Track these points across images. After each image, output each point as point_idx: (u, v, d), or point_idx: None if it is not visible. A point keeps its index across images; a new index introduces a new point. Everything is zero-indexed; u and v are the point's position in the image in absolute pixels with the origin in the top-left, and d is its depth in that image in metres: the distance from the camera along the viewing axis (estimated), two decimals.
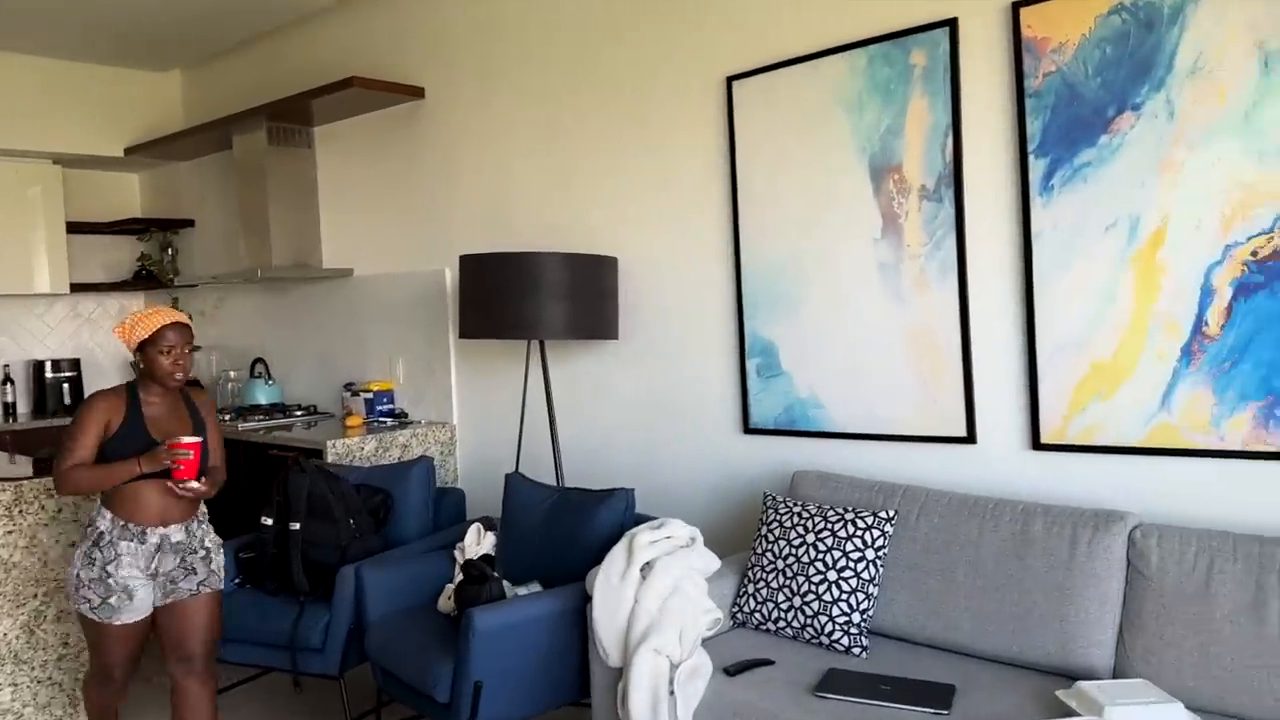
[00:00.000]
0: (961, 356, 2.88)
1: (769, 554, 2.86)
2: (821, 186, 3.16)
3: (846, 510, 2.80)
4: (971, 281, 2.87)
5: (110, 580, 2.60)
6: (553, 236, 3.98)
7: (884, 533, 2.72)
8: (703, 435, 3.55)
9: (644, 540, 2.67)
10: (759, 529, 2.95)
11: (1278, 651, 2.11)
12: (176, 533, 2.69)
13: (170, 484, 2.59)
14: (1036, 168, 2.72)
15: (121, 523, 2.62)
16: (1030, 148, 2.73)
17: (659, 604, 2.56)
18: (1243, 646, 2.15)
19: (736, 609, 2.86)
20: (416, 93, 4.43)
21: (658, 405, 3.67)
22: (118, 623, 2.62)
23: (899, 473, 3.04)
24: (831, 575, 2.71)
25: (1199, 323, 2.47)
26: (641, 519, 3.04)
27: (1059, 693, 2.23)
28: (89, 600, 2.61)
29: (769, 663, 2.56)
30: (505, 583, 2.96)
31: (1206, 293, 2.46)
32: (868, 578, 2.69)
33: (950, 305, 2.90)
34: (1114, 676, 2.36)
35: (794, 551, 2.80)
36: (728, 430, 3.48)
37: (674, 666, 2.49)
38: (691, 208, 3.53)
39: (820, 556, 2.74)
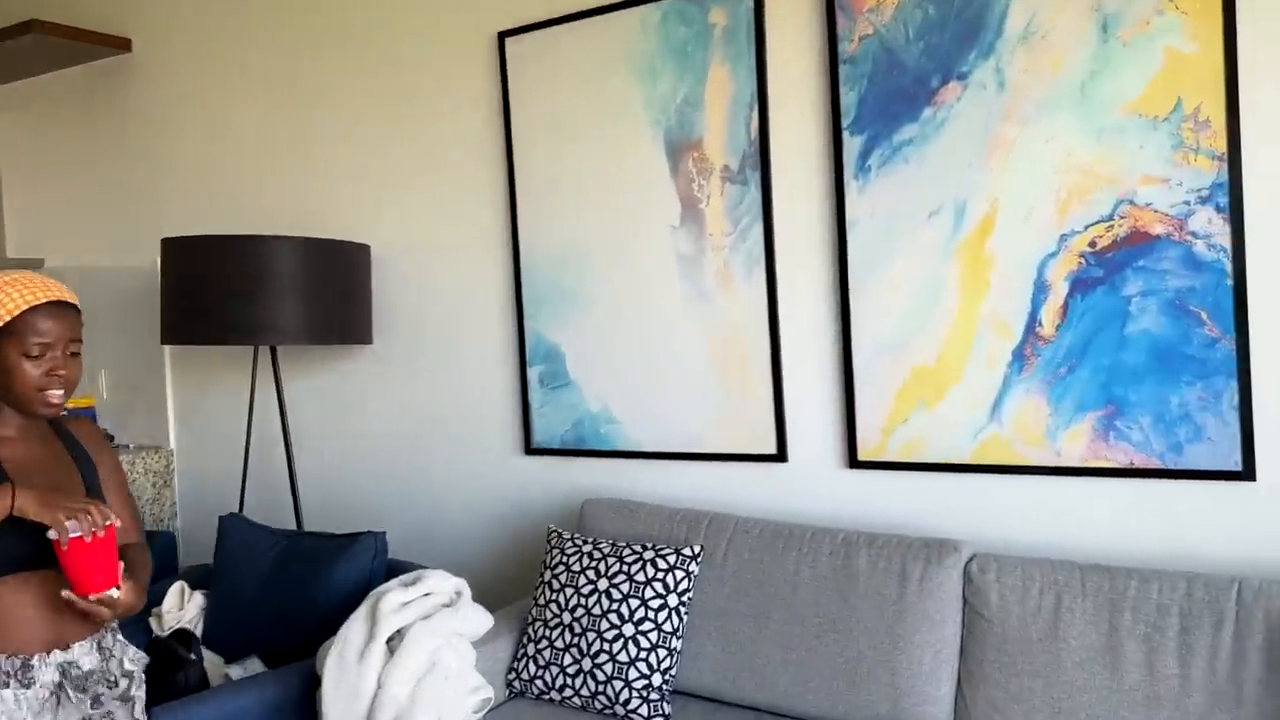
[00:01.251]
0: (771, 362, 2.50)
1: (554, 605, 2.36)
2: (612, 165, 2.70)
3: (645, 547, 2.34)
4: (781, 276, 2.49)
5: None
6: (288, 219, 3.30)
7: (689, 573, 2.29)
8: (476, 458, 3.01)
9: (393, 603, 2.11)
10: (541, 573, 2.45)
11: (1135, 703, 1.82)
12: (85, 657, 1.59)
13: (70, 596, 1.51)
14: (852, 146, 2.37)
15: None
16: (845, 123, 2.37)
17: (410, 688, 2.01)
18: (1097, 701, 1.86)
19: (514, 675, 2.34)
20: (121, 44, 3.62)
21: (422, 424, 3.09)
22: None
23: (704, 497, 2.63)
24: (628, 629, 2.24)
25: (1032, 323, 2.19)
26: (397, 569, 2.47)
27: None
28: None
29: None
30: (215, 659, 2.31)
31: (1040, 288, 2.17)
32: (670, 630, 2.25)
33: (758, 303, 2.51)
34: None
35: (583, 601, 2.32)
36: (507, 451, 2.95)
37: None
38: (461, 187, 2.97)
39: (615, 607, 2.27)
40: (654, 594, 2.26)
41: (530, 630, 2.39)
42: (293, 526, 3.22)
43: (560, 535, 2.49)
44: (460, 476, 3.04)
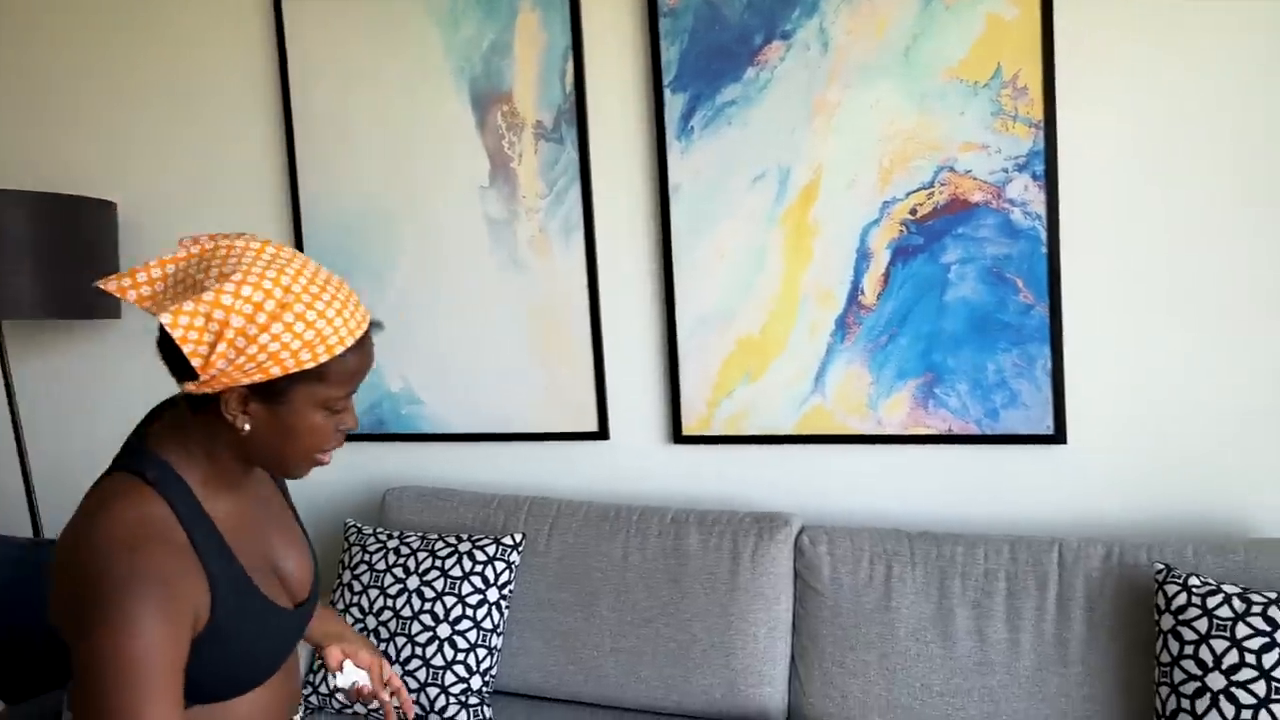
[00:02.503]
0: (591, 334, 2.34)
1: (356, 610, 2.12)
2: (409, 115, 2.44)
3: (460, 538, 2.14)
4: (601, 243, 2.33)
5: None
6: (14, 172, 2.80)
7: (509, 564, 2.11)
8: None
9: None
10: (339, 574, 2.20)
11: (968, 670, 1.83)
12: None
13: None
14: (674, 105, 2.24)
15: None
16: (666, 80, 2.24)
17: None
18: (931, 670, 1.86)
19: (310, 689, 2.08)
20: None
21: None
22: None
23: (523, 481, 2.45)
24: (443, 630, 2.04)
25: (855, 291, 2.16)
26: None
27: None
28: None
29: None
30: None
31: (863, 257, 2.14)
32: (490, 627, 2.07)
33: (577, 272, 2.34)
34: (790, 717, 1.98)
35: (391, 604, 2.09)
36: None
37: None
38: (229, 136, 2.60)
39: (427, 607, 2.06)
40: (471, 589, 2.07)
41: None
42: (28, 534, 2.75)
43: (359, 530, 2.24)
44: None
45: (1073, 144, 1.98)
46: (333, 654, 1.37)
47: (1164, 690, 1.66)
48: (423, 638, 2.04)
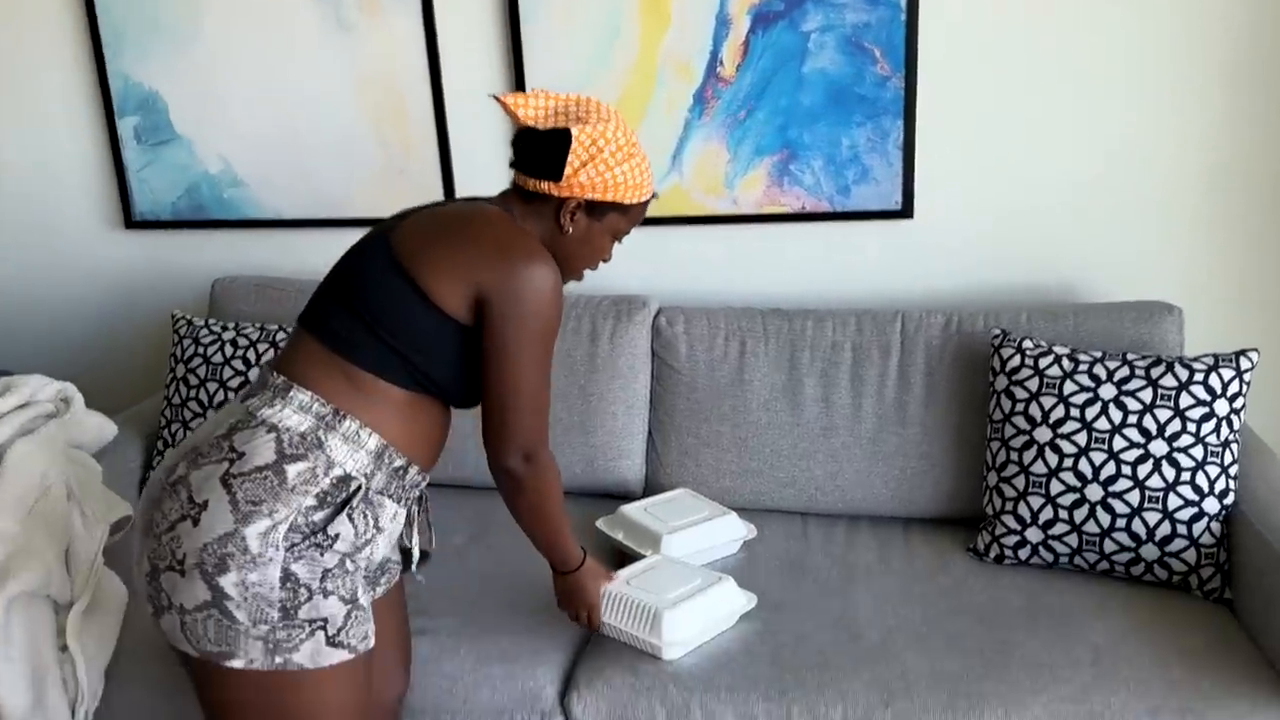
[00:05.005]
0: (434, 108, 2.18)
1: (195, 403, 2.00)
2: None
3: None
4: (439, 5, 2.13)
5: (358, 574, 1.24)
6: None
7: None
8: (61, 238, 2.42)
9: None
10: (172, 368, 2.06)
11: (814, 436, 1.91)
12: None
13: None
14: None
15: (398, 461, 1.27)
16: None
17: (18, 519, 1.60)
18: (780, 436, 1.93)
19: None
20: None
21: None
22: (363, 651, 1.23)
23: None
24: None
25: (713, 62, 2.07)
26: None
27: (599, 523, 1.84)
28: (318, 624, 1.18)
29: None
30: None
31: (722, 24, 2.04)
32: None
33: (414, 37, 2.14)
34: (647, 488, 2.03)
35: (232, 396, 1.98)
36: (101, 226, 2.40)
37: (63, 609, 1.60)
38: None
39: None
40: None
41: (167, 434, 2.02)
42: None
43: (189, 322, 2.09)
44: (41, 262, 2.45)
45: None
46: None
47: (994, 445, 1.77)
48: None
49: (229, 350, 2.01)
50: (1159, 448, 1.63)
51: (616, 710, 1.40)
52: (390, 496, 1.26)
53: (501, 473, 1.30)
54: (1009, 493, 1.72)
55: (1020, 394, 1.75)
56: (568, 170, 1.27)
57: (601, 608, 1.47)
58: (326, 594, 1.17)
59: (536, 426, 1.28)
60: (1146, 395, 1.66)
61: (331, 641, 1.18)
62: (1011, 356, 1.79)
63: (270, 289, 2.18)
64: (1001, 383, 1.78)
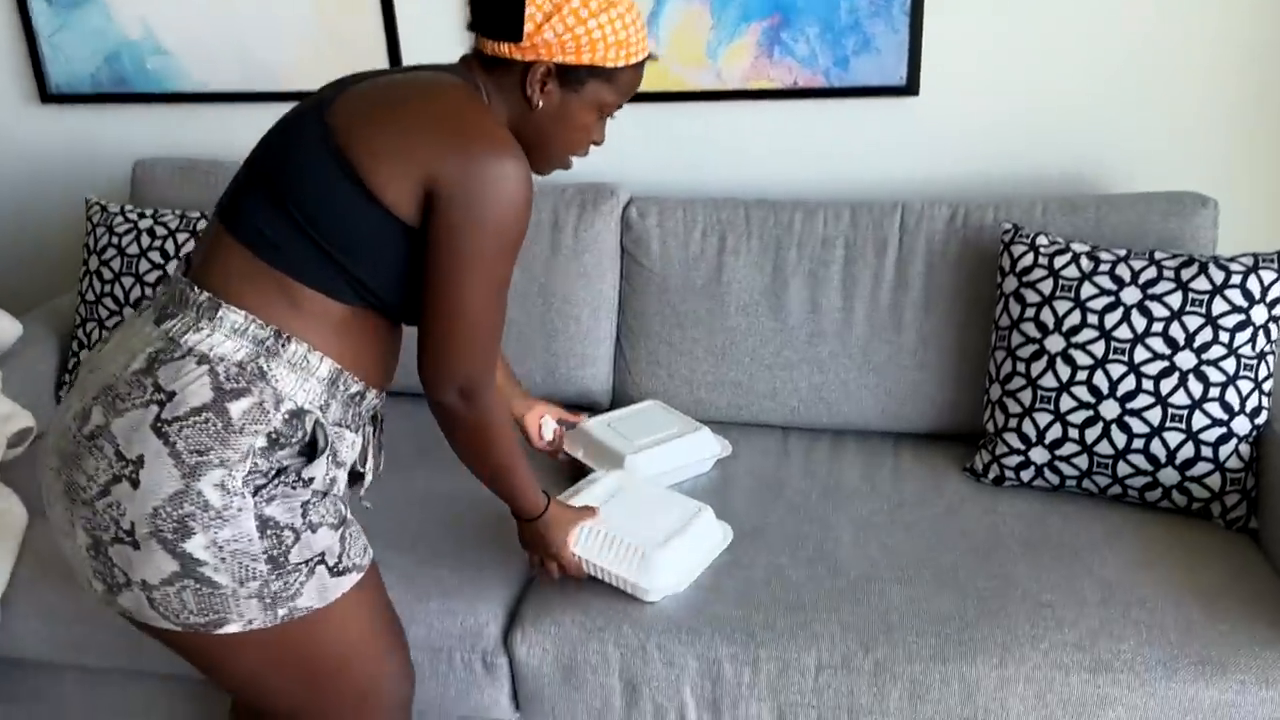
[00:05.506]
0: None
1: (110, 299, 1.80)
2: None
3: None
4: None
5: (336, 496, 1.09)
6: None
7: None
8: None
9: None
10: (85, 260, 1.85)
11: (798, 344, 1.72)
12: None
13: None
14: None
15: (354, 387, 1.09)
16: None
17: None
18: (761, 343, 1.73)
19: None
20: None
21: None
22: (366, 567, 1.11)
23: None
24: None
25: None
26: None
27: None
28: (315, 561, 1.04)
29: None
30: None
31: None
32: None
33: None
34: (614, 400, 1.85)
35: (150, 293, 1.78)
36: (11, 101, 2.15)
37: None
38: None
39: None
40: None
41: (80, 334, 1.83)
42: None
43: (104, 209, 1.87)
44: None
45: None
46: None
47: (999, 355, 1.58)
48: None
49: (145, 240, 1.80)
50: (1186, 360, 1.44)
51: (565, 652, 1.24)
52: (348, 427, 1.08)
53: (436, 407, 1.11)
54: (1013, 408, 1.54)
55: (1031, 297, 1.55)
56: (528, 25, 1.05)
57: (574, 541, 1.29)
58: (314, 528, 1.03)
59: (481, 358, 1.07)
60: (1175, 300, 1.46)
61: (336, 571, 1.04)
62: (1023, 255, 1.58)
63: (196, 171, 1.95)
64: (1011, 284, 1.58)
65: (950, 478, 1.59)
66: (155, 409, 0.96)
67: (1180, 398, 1.44)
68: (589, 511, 1.31)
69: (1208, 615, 1.24)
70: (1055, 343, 1.51)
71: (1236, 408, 1.43)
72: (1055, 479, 1.52)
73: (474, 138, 1.01)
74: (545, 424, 1.56)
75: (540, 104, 1.09)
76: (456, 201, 1.00)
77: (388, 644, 1.13)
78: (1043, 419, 1.51)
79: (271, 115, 2.02)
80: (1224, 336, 1.44)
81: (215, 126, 2.08)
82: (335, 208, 1.01)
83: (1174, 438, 1.44)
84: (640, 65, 1.12)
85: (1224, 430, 1.43)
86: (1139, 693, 1.15)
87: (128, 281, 1.79)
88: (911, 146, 1.87)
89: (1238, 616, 1.23)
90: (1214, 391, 1.43)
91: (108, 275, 1.80)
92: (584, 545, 1.28)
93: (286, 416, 1.00)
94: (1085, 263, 1.53)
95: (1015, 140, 1.83)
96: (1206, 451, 1.43)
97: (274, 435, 0.99)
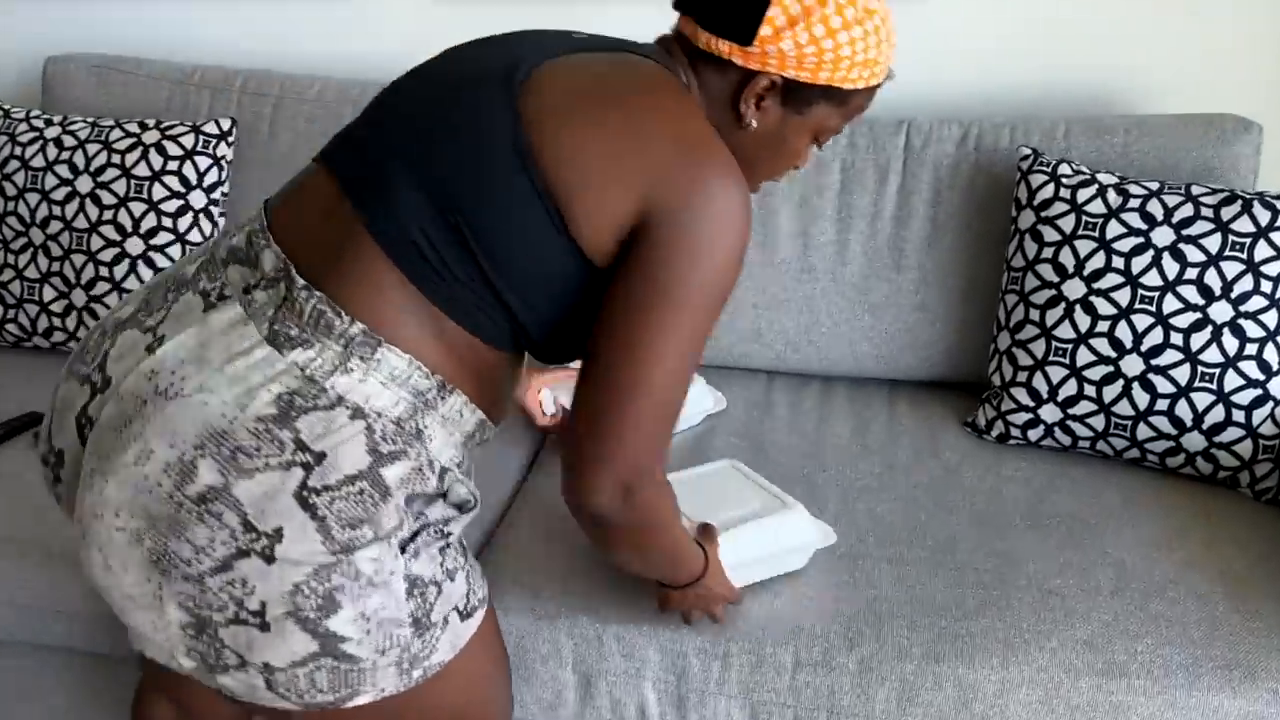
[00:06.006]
0: None
1: (15, 220, 1.61)
2: None
3: (146, 125, 1.61)
4: None
5: (457, 540, 0.91)
6: None
7: (218, 159, 1.61)
8: None
9: None
10: None
11: (787, 280, 1.54)
12: None
13: None
14: None
15: (489, 435, 0.92)
16: None
17: None
18: (744, 278, 1.55)
19: None
20: None
21: None
22: (488, 598, 0.95)
23: (236, 49, 1.85)
24: (134, 246, 1.58)
25: None
26: None
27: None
28: (452, 611, 0.87)
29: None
30: None
31: None
32: (198, 240, 1.61)
33: None
34: None
35: (58, 211, 1.59)
36: None
37: None
38: None
39: (108, 216, 1.57)
40: (167, 193, 1.58)
41: None
42: None
43: (7, 114, 1.66)
44: None
45: None
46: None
47: (1010, 299, 1.41)
48: (107, 255, 1.56)
49: (53, 152, 1.59)
50: (1221, 312, 1.28)
51: (511, 641, 1.10)
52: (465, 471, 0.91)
53: (580, 512, 0.85)
54: (1023, 360, 1.38)
55: (1050, 235, 1.37)
56: (764, 28, 0.84)
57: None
58: (452, 575, 0.87)
59: (658, 444, 0.84)
60: (1213, 243, 1.29)
61: (465, 614, 0.89)
62: (1043, 185, 1.39)
63: (116, 72, 1.73)
64: (1027, 219, 1.40)
65: (949, 433, 1.44)
66: (300, 474, 0.77)
67: (1212, 354, 1.28)
68: (713, 527, 1.08)
69: (1235, 609, 1.10)
70: (1075, 288, 1.34)
71: (1275, 367, 1.27)
72: (1067, 440, 1.37)
73: (703, 156, 0.82)
74: (545, 398, 1.38)
75: (754, 123, 0.88)
76: (672, 237, 0.80)
77: (503, 676, 0.97)
78: (1056, 374, 1.35)
79: (201, 10, 1.79)
80: (1266, 286, 1.27)
81: (138, 21, 1.84)
82: (520, 236, 0.80)
83: (1203, 399, 1.28)
84: (877, 88, 0.91)
85: (1259, 392, 1.27)
86: (1157, 700, 1.02)
87: (33, 198, 1.58)
88: (919, 56, 1.65)
89: (1270, 612, 1.10)
90: (1250, 349, 1.27)
91: (10, 191, 1.60)
92: (740, 570, 1.06)
93: (438, 480, 0.84)
94: (1113, 197, 1.35)
95: (1035, 52, 1.62)
96: (1238, 415, 1.28)
97: (427, 498, 0.84)
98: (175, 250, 1.58)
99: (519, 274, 0.81)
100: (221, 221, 1.63)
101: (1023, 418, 1.38)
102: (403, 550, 0.82)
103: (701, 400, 1.46)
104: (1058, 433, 1.37)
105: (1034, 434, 1.38)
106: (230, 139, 1.63)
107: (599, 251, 0.82)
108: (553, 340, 0.87)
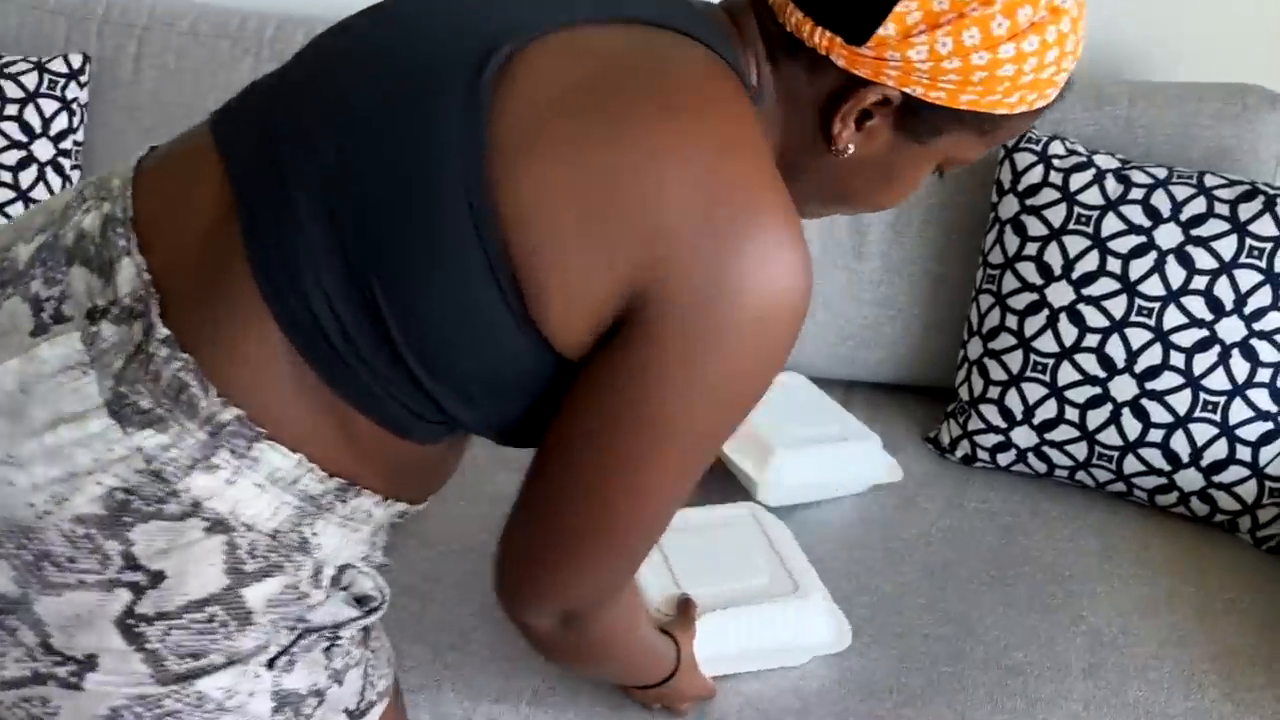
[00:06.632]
0: None
1: None
2: None
3: (15, 62, 1.37)
4: None
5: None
6: None
7: (68, 102, 1.38)
8: None
9: None
10: None
11: None
12: None
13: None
14: None
15: (411, 514, 0.67)
16: None
17: None
18: None
19: None
20: None
21: None
22: (390, 691, 0.71)
23: None
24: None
25: None
26: None
27: None
28: (343, 711, 0.65)
29: None
30: None
31: None
32: None
33: None
34: None
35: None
36: None
37: None
38: None
39: None
40: (8, 143, 1.34)
41: None
42: None
43: None
44: None
45: None
46: None
47: (985, 300, 1.20)
48: None
49: None
50: (1232, 330, 1.08)
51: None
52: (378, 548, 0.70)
53: (519, 625, 0.67)
54: (996, 373, 1.18)
55: (1035, 228, 1.16)
56: (887, 27, 0.57)
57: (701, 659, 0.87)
58: (340, 677, 0.66)
59: (622, 574, 0.65)
60: (1227, 247, 1.08)
61: (359, 715, 0.68)
62: (1030, 168, 1.18)
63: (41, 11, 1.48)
64: (1009, 207, 1.19)
65: (907, 449, 1.25)
66: (126, 596, 0.57)
67: (1218, 379, 1.08)
68: (692, 605, 0.89)
69: (1228, 696, 0.93)
70: (1061, 293, 1.13)
71: None
72: (1042, 467, 1.18)
73: (744, 216, 0.55)
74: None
75: (851, 148, 0.62)
76: (675, 337, 0.55)
77: None
78: (1034, 392, 1.15)
79: None
80: None
81: None
82: (461, 323, 0.57)
83: (1203, 431, 1.09)
84: (1044, 110, 0.63)
85: (1270, 426, 1.08)
86: None
87: None
88: None
89: (1269, 701, 0.92)
90: (1263, 375, 1.07)
91: None
92: (715, 661, 0.88)
93: (329, 583, 0.64)
94: (1112, 185, 1.13)
95: None
96: (1243, 452, 1.09)
97: (311, 606, 0.63)
98: (17, 209, 1.35)
99: (457, 372, 0.58)
100: (75, 176, 1.40)
101: (992, 439, 1.18)
102: (270, 666, 0.61)
103: (870, 468, 1.16)
104: (1031, 458, 1.17)
105: (1004, 458, 1.19)
106: (83, 79, 1.39)
107: (568, 341, 0.57)
108: (503, 436, 0.64)
